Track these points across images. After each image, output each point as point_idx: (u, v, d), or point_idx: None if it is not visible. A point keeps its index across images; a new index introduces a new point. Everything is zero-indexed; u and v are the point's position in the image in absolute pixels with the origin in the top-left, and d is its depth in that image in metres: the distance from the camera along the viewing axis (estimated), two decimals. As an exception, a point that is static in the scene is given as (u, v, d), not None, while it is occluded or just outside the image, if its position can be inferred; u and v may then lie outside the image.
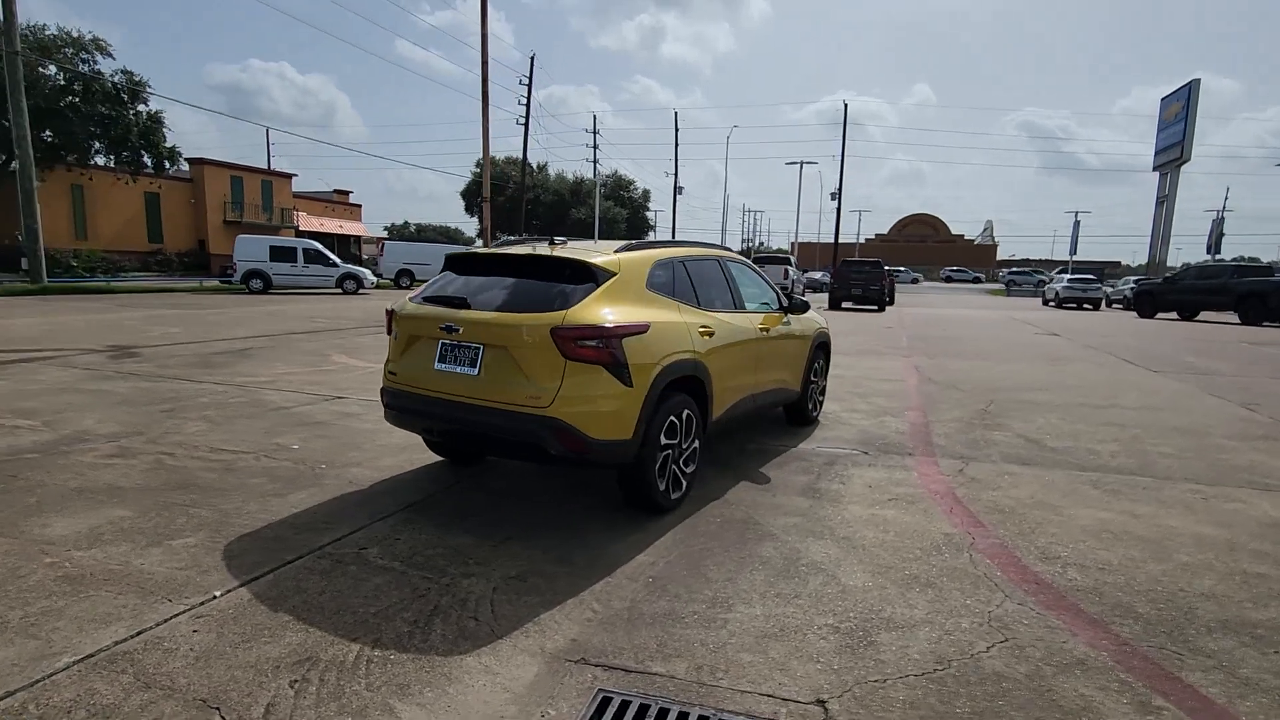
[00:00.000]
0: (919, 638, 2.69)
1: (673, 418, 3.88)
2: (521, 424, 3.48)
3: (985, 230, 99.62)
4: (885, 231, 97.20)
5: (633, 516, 3.88)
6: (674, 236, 53.02)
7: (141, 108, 29.73)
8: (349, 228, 44.98)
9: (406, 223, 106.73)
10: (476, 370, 3.63)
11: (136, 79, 29.08)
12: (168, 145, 30.75)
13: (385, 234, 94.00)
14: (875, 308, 23.79)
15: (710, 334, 4.28)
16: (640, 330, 3.65)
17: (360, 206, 48.17)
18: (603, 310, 3.57)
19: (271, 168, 42.40)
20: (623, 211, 49.30)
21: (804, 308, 5.77)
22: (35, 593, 2.84)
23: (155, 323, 13.12)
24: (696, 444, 4.17)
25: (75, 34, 28.27)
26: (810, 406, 6.17)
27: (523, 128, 39.36)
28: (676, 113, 48.22)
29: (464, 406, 3.63)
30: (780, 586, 3.10)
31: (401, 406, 3.94)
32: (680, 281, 4.32)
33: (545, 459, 3.59)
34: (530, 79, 41.24)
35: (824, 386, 6.52)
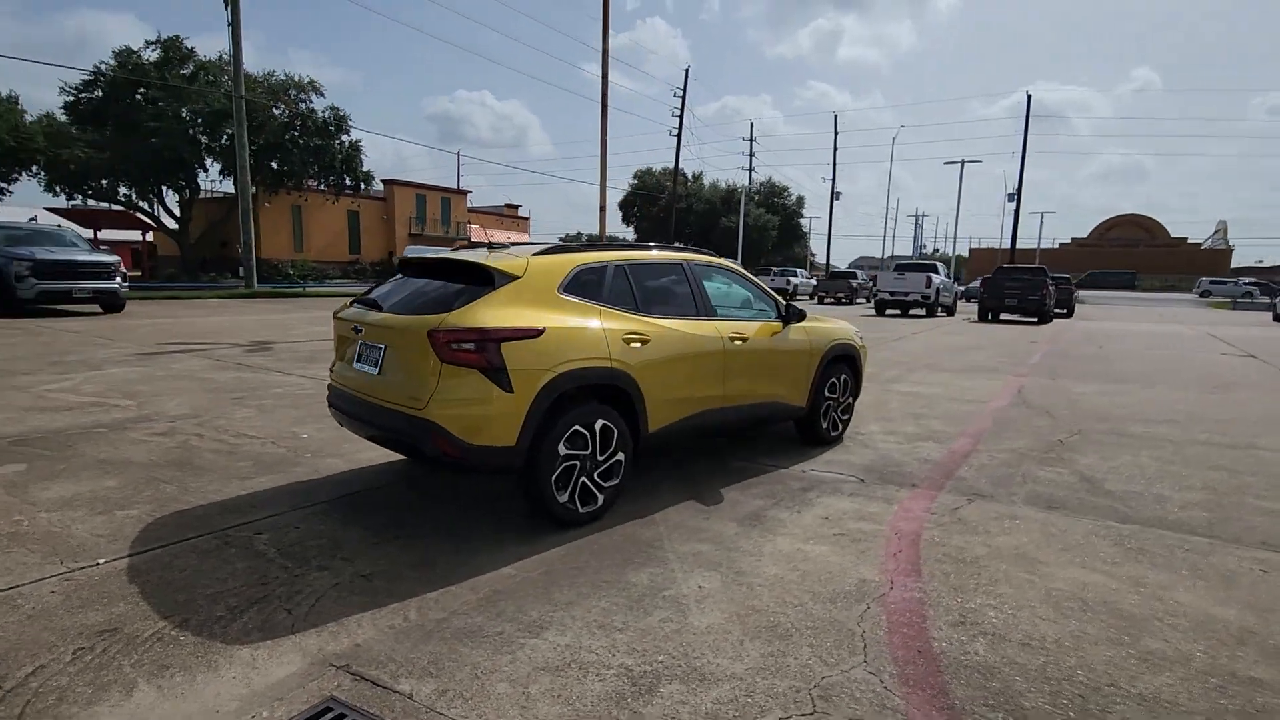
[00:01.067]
0: (708, 696, 2.30)
1: (578, 427, 3.68)
2: (403, 423, 3.48)
3: (1216, 233, 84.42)
4: (1085, 235, 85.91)
5: (535, 528, 3.72)
6: (829, 243, 51.22)
7: (345, 138, 34.02)
8: (516, 239, 48.24)
9: (579, 233, 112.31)
10: (378, 370, 3.69)
11: (341, 114, 33.38)
12: (364, 170, 34.93)
13: (559, 242, 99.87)
14: (1035, 319, 21.11)
15: (643, 342, 4.00)
16: (528, 335, 3.50)
17: (528, 219, 51.65)
18: (487, 313, 3.47)
19: (456, 186, 46.61)
20: (774, 219, 48.13)
21: (801, 317, 5.23)
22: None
23: (310, 323, 14.89)
24: (621, 457, 3.92)
25: (297, 78, 33.01)
26: (826, 425, 5.57)
27: (684, 139, 39.84)
28: (836, 115, 46.08)
29: (367, 405, 3.71)
30: (615, 617, 2.81)
31: (332, 402, 4.11)
32: (615, 287, 4.09)
33: (426, 460, 3.57)
34: (684, 91, 41.76)
35: (849, 404, 5.86)
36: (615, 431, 3.87)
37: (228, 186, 23.11)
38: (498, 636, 2.65)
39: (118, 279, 14.45)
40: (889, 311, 24.14)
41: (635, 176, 50.18)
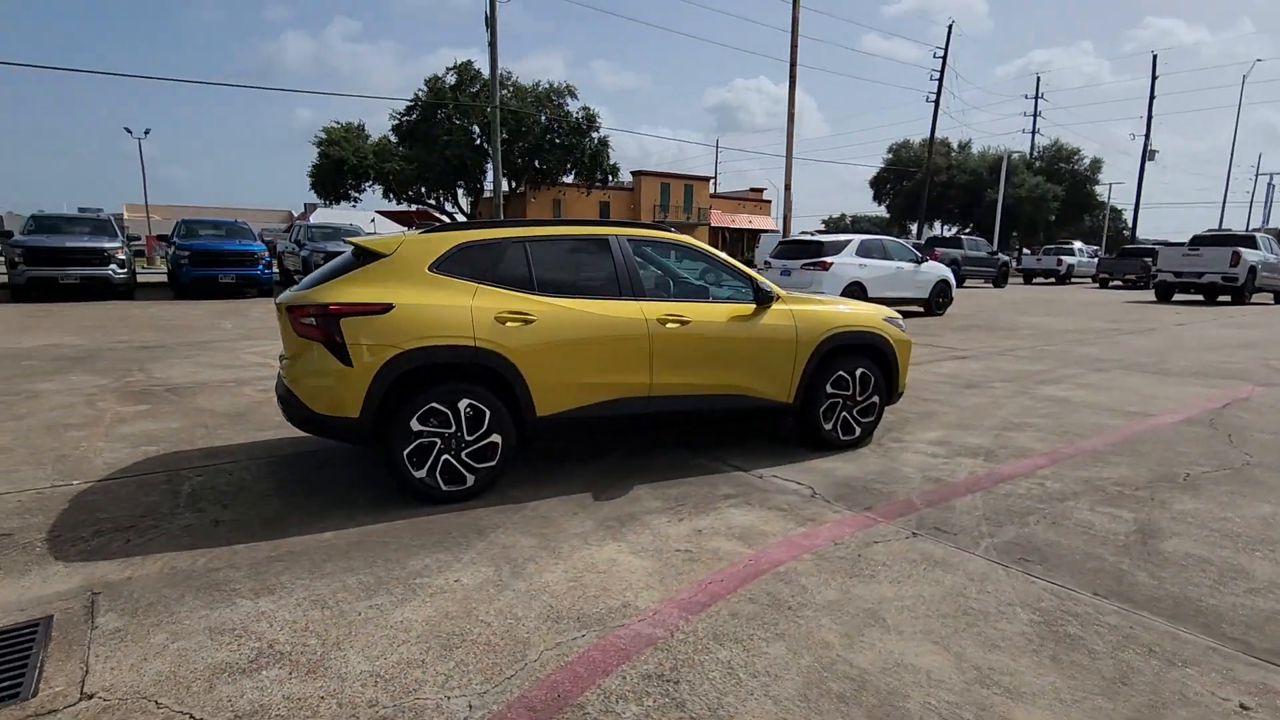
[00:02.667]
0: (298, 689, 2.16)
1: (437, 405, 3.63)
2: (283, 390, 3.78)
3: None
4: None
5: (402, 501, 3.76)
6: (1136, 210, 41.35)
7: (594, 135, 36.79)
8: (757, 222, 47.80)
9: (843, 215, 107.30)
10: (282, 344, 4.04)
11: (591, 113, 36.14)
12: (611, 163, 37.45)
13: (822, 227, 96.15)
14: None
15: (526, 321, 3.78)
16: (370, 310, 3.53)
17: (770, 202, 50.73)
18: (338, 290, 3.59)
19: (714, 174, 47.74)
20: (1056, 187, 40.37)
21: (768, 299, 4.41)
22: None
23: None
24: (497, 439, 3.77)
25: (555, 84, 36.48)
26: (832, 427, 4.68)
27: (955, 105, 35.83)
28: (1155, 56, 36.91)
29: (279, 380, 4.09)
30: (339, 596, 2.75)
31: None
32: (505, 265, 3.91)
33: (298, 427, 3.80)
34: (945, 50, 37.24)
35: (871, 404, 4.81)
36: (487, 413, 3.74)
37: (498, 187, 26.92)
38: (226, 591, 2.78)
39: (110, 266, 15.00)
40: (1178, 297, 18.93)
41: (890, 150, 46.13)
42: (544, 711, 2.06)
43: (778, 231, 48.65)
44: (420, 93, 37.05)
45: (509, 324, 3.76)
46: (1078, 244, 34.41)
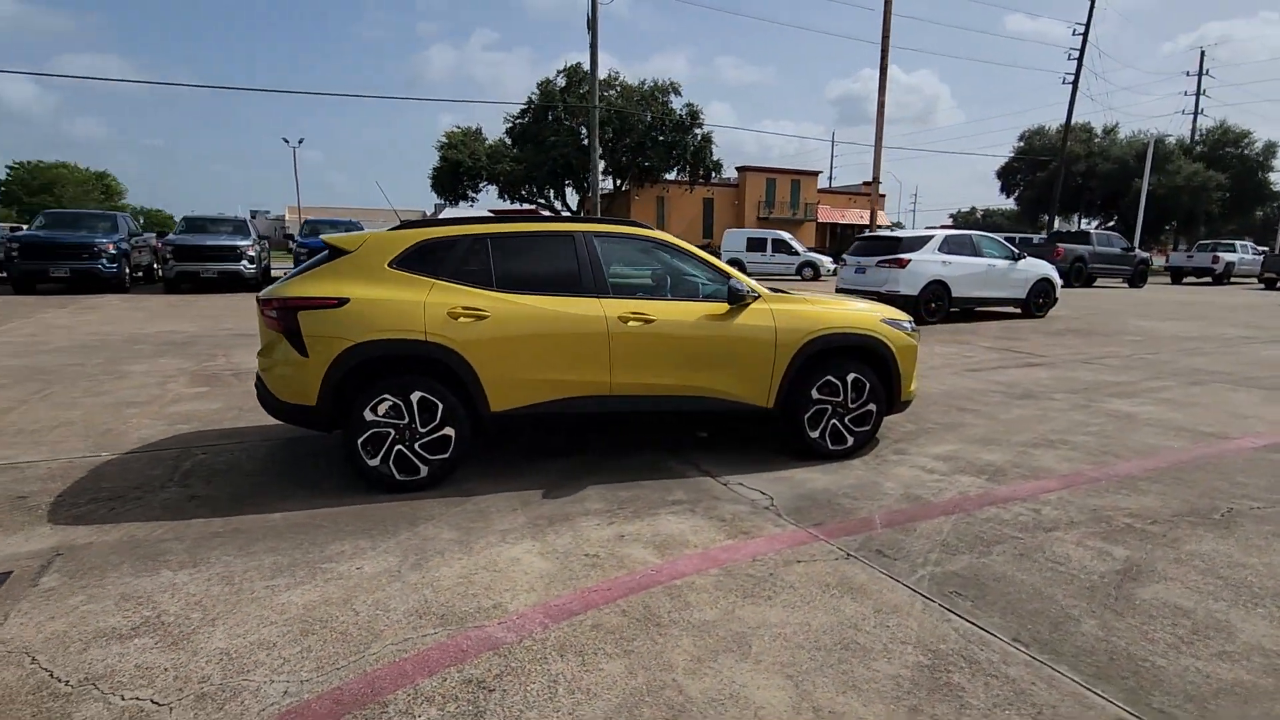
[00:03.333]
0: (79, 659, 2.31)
1: (389, 397, 3.75)
2: (256, 382, 4.03)
3: None
4: None
5: (363, 489, 3.89)
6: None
7: (698, 131, 36.59)
8: (868, 216, 45.38)
9: (973, 208, 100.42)
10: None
11: (694, 109, 35.97)
12: (714, 159, 37.14)
13: (949, 221, 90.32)
14: None
15: (479, 317, 3.81)
16: (326, 304, 3.68)
17: (884, 196, 48.26)
18: (301, 285, 3.77)
19: (806, 168, 46.15)
20: (1219, 175, 35.24)
21: (738, 298, 4.15)
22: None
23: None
24: (450, 432, 3.84)
25: (660, 82, 36.58)
26: (820, 435, 4.37)
27: (1104, 86, 32.68)
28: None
29: None
30: (235, 577, 2.91)
31: None
32: (465, 261, 3.95)
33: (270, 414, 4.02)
34: (1086, 27, 33.83)
35: (867, 412, 4.44)
36: (440, 406, 3.81)
37: (595, 185, 27.61)
38: (158, 561, 3.00)
39: (242, 262, 16.19)
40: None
41: (1022, 138, 42.37)
42: (349, 705, 2.07)
43: (886, 227, 46.17)
44: (533, 96, 38.45)
45: (461, 319, 3.81)
46: (1247, 241, 30.09)
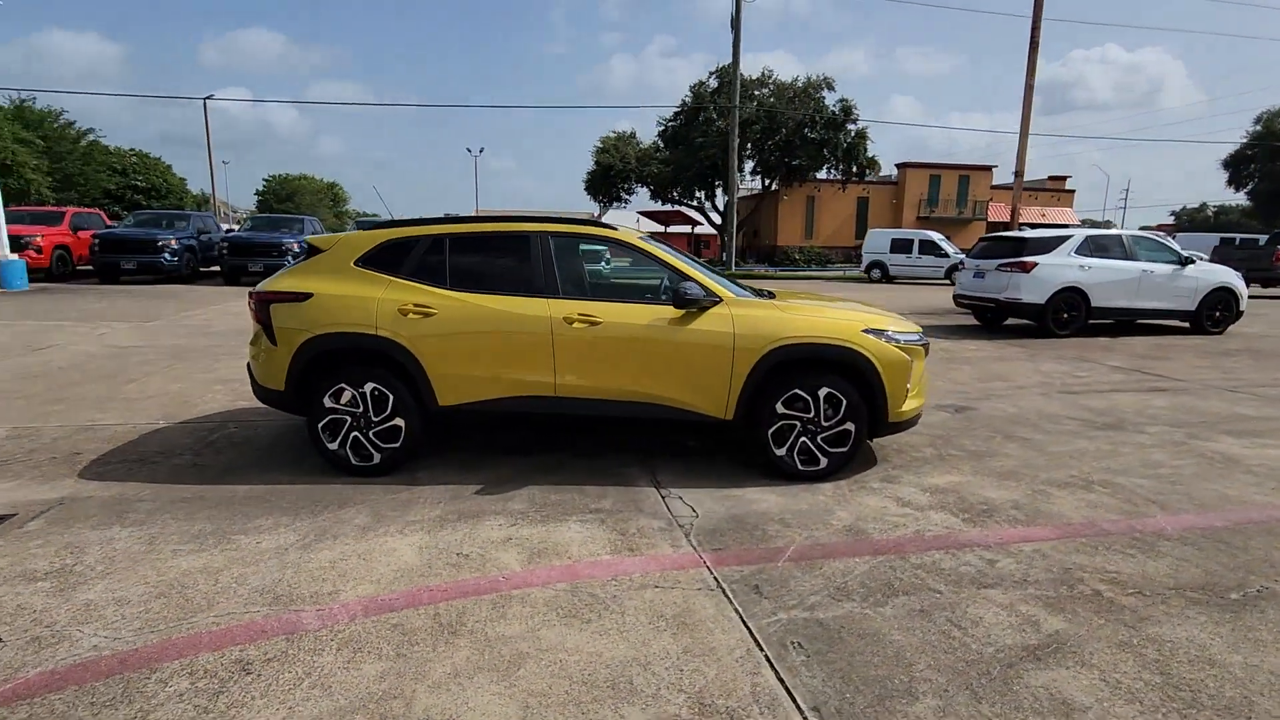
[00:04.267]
0: None
1: (345, 386, 3.98)
2: (248, 366, 4.46)
3: None
4: None
5: (317, 469, 4.14)
6: None
7: (851, 127, 34.78)
8: (1052, 215, 40.30)
9: (1203, 204, 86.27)
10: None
11: (848, 104, 34.20)
12: (868, 156, 35.08)
13: (1170, 220, 78.11)
14: None
15: (427, 314, 3.94)
16: (292, 299, 3.99)
17: (1073, 193, 42.32)
18: (278, 281, 4.12)
19: (973, 163, 42.03)
20: None
21: (683, 302, 3.86)
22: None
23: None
24: (400, 423, 4.01)
25: (814, 78, 35.23)
26: (787, 453, 3.99)
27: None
28: None
29: None
30: (167, 541, 3.25)
31: None
32: (422, 260, 4.08)
33: (260, 396, 4.41)
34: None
35: (843, 433, 3.96)
36: (390, 397, 3.99)
37: (733, 186, 27.32)
38: (118, 517, 3.43)
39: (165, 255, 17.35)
40: None
41: (1259, 120, 35.50)
42: (129, 666, 2.24)
43: (1078, 225, 40.73)
44: (686, 99, 38.73)
45: (410, 316, 3.95)
46: None
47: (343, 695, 2.09)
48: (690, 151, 36.56)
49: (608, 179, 38.78)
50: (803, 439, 4.01)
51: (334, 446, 4.05)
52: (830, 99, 34.83)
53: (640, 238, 4.24)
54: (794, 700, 2.07)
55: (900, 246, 24.33)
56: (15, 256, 15.89)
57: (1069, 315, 10.09)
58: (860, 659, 2.28)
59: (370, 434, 4.03)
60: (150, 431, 4.93)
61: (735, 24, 26.06)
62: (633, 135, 41.87)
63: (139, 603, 2.63)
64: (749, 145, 36.12)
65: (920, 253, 23.92)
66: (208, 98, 43.19)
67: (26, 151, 37.73)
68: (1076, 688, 2.15)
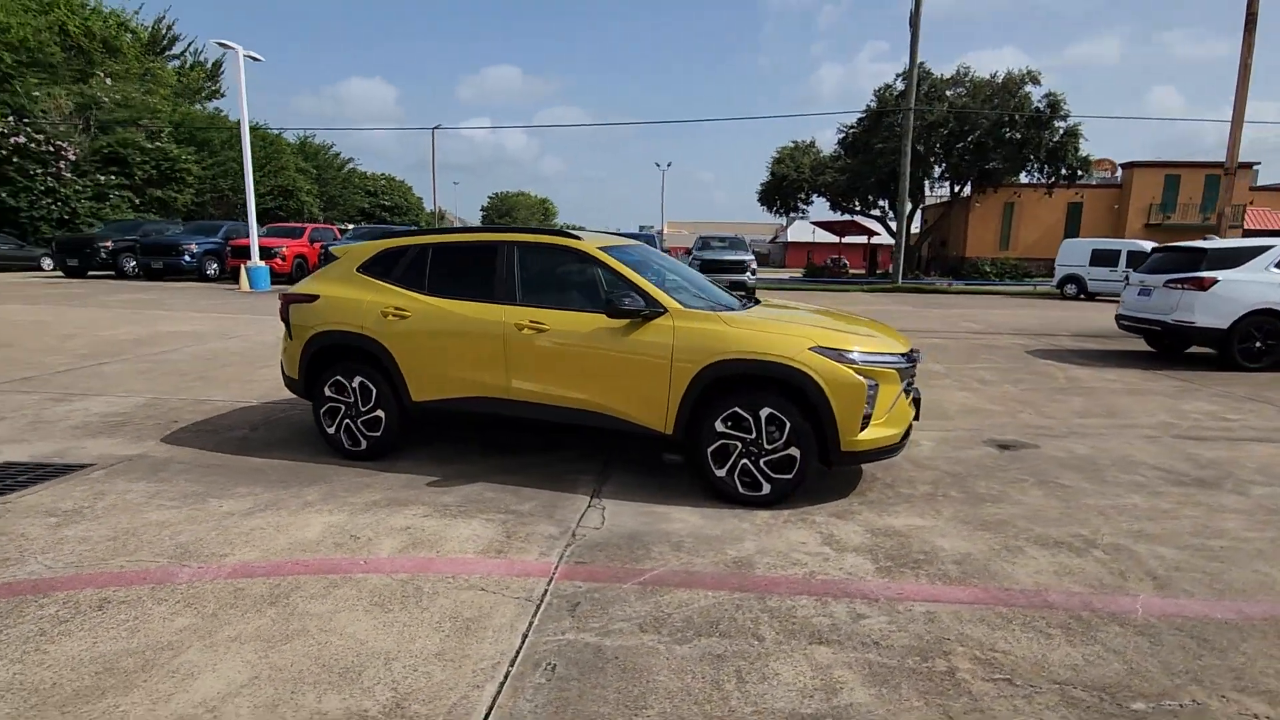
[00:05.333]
0: (34, 529, 3.37)
1: (339, 378, 4.46)
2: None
3: None
4: None
5: (331, 451, 4.67)
6: None
7: (1060, 124, 30.67)
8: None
9: None
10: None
11: (1055, 99, 30.20)
12: (1079, 155, 30.69)
13: None
14: None
15: (402, 316, 4.28)
16: (303, 300, 4.55)
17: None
18: (302, 284, 4.70)
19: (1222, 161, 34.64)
20: None
21: (617, 312, 3.72)
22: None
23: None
24: (381, 414, 4.39)
25: (1016, 73, 31.65)
26: (728, 473, 3.75)
27: None
28: None
29: None
30: (158, 500, 3.89)
31: None
32: (408, 267, 4.43)
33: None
34: None
35: (788, 458, 3.61)
36: (374, 390, 4.39)
37: (903, 194, 25.21)
38: (151, 475, 4.18)
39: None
40: None
41: None
42: (37, 589, 2.75)
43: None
44: (871, 103, 36.79)
45: (389, 317, 4.32)
46: None
47: (139, 639, 2.41)
48: (869, 159, 34.62)
49: (781, 189, 37.97)
50: (744, 461, 3.74)
51: (331, 431, 4.55)
52: (1035, 94, 31.05)
53: (601, 247, 4.22)
54: None
55: (1103, 258, 20.99)
56: (262, 264, 19.52)
57: (1263, 345, 8.09)
58: (597, 694, 2.14)
59: (358, 422, 4.47)
60: (239, 409, 5.86)
61: (914, 21, 24.31)
62: (812, 144, 40.57)
63: (94, 543, 3.21)
64: (936, 148, 33.35)
65: (1130, 265, 20.42)
66: (435, 128, 49.50)
67: (304, 178, 45.87)
68: None
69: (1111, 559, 3.14)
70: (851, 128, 37.57)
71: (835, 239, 40.52)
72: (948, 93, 33.79)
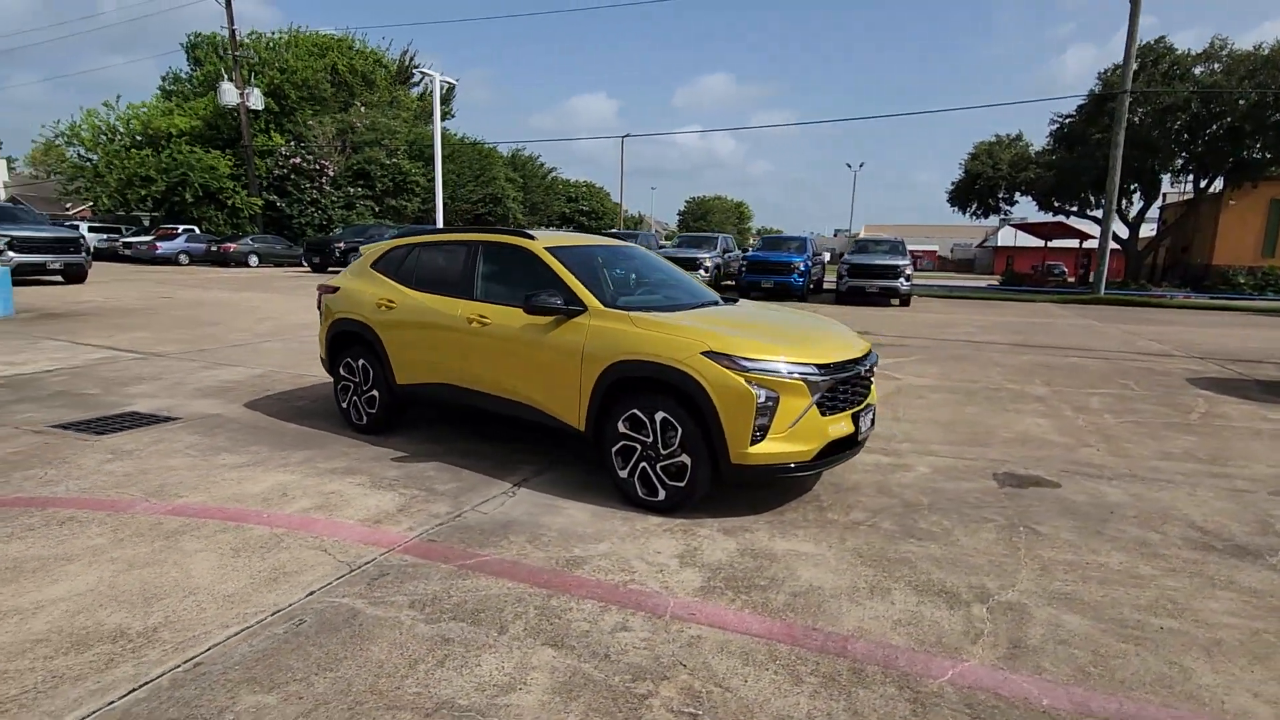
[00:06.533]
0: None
1: (348, 358, 5.07)
2: None
3: None
4: None
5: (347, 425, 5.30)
6: None
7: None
8: None
9: None
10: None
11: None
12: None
13: None
14: None
15: (390, 307, 4.75)
16: (330, 290, 5.21)
17: None
18: (332, 278, 5.36)
19: None
20: None
21: (533, 309, 3.74)
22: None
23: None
24: (376, 394, 4.92)
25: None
26: (628, 475, 3.68)
27: None
28: None
29: None
30: (191, 458, 4.72)
31: None
32: (405, 265, 4.89)
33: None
34: None
35: (681, 465, 3.43)
36: (371, 372, 4.93)
37: (1112, 189, 21.16)
38: (204, 433, 5.10)
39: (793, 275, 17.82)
40: None
41: None
42: (45, 504, 3.56)
43: None
44: (1094, 88, 31.95)
45: (381, 307, 4.82)
46: None
47: (57, 549, 3.03)
48: (1087, 151, 30.03)
49: (975, 188, 34.33)
50: (643, 465, 3.65)
51: (344, 406, 5.19)
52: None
53: (548, 247, 4.31)
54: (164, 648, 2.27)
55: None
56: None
57: None
58: (308, 650, 2.31)
59: (361, 399, 5.04)
60: (321, 384, 6.82)
61: (1136, -10, 20.67)
62: (1018, 138, 36.16)
63: (114, 476, 4.03)
64: (1176, 136, 28.03)
65: None
66: (624, 136, 51.86)
67: (511, 187, 50.76)
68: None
69: (985, 618, 2.61)
70: (1068, 117, 32.87)
71: (1040, 242, 35.70)
72: (1195, 70, 28.22)
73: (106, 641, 2.34)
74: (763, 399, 3.34)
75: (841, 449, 3.66)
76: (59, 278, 16.73)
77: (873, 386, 4.20)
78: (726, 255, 21.63)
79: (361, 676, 2.18)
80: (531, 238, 4.45)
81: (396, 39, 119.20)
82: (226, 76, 34.86)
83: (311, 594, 2.70)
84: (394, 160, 40.23)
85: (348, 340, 5.15)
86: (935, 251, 76.42)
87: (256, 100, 34.71)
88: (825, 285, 22.03)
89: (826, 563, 3.08)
